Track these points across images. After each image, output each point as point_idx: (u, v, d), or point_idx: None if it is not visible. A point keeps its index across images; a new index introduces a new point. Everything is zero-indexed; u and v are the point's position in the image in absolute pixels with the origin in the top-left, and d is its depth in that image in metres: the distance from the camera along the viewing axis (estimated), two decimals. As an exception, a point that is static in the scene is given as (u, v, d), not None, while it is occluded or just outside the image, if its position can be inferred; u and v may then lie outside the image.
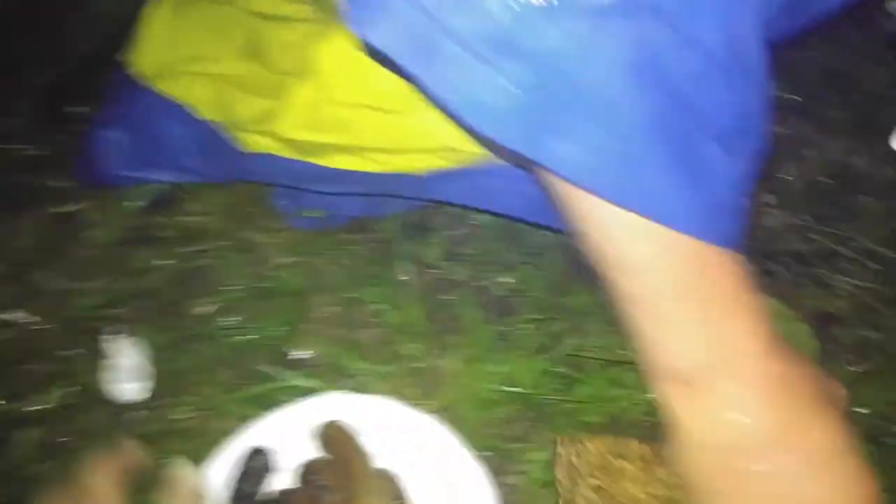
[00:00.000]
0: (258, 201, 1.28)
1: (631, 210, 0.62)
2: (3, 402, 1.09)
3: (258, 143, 1.10)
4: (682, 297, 0.67)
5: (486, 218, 1.27)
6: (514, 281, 1.21)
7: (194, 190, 1.29)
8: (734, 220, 0.66)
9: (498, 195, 1.03)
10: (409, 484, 0.97)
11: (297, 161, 1.09)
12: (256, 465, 0.96)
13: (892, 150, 1.18)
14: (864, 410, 1.07)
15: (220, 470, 0.97)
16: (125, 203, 1.28)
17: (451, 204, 1.16)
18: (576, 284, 1.20)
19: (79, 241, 1.25)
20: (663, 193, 0.61)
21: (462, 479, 0.97)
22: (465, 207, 1.21)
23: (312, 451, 0.99)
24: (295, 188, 1.20)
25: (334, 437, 0.98)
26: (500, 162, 0.98)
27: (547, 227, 1.08)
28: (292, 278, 1.20)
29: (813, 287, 1.23)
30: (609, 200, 0.61)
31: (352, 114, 1.02)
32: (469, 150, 0.97)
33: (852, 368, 1.12)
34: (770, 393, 0.67)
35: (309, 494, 0.95)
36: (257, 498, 0.95)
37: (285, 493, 0.97)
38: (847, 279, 1.23)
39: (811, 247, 1.27)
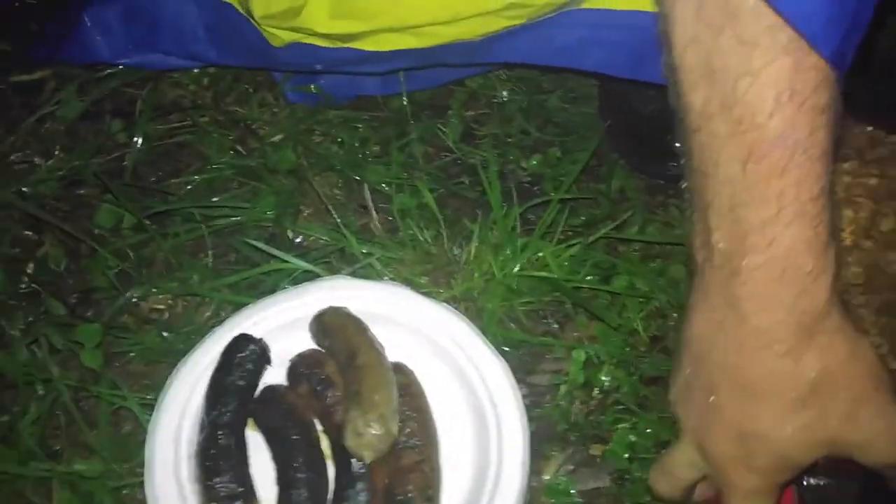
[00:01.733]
0: (243, 72, 1.12)
1: None
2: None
3: (287, 34, 0.94)
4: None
5: (508, 95, 1.11)
6: (539, 164, 1.05)
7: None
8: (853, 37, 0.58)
9: (574, 48, 0.87)
10: (424, 381, 0.83)
11: (334, 49, 0.93)
12: (245, 355, 0.81)
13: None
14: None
15: (203, 362, 0.82)
16: (95, 73, 1.11)
17: (512, 64, 1.02)
18: (611, 168, 1.05)
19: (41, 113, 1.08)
20: None
21: (482, 377, 0.83)
22: (532, 66, 1.05)
23: (310, 341, 0.85)
24: (330, 72, 1.04)
25: (336, 324, 0.83)
26: (574, 10, 0.83)
27: (629, 80, 0.91)
28: (285, 156, 1.04)
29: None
30: None
31: None
32: (540, 2, 0.81)
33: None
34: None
35: (307, 389, 0.81)
36: (245, 393, 0.81)
37: (278, 389, 0.83)
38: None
39: None
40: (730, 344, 0.64)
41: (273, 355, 0.83)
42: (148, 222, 0.97)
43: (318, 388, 0.80)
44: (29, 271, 0.96)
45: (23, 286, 0.96)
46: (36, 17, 1.18)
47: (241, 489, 0.75)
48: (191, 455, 0.78)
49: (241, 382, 0.80)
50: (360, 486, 0.75)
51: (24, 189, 1.01)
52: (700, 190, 0.64)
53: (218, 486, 0.75)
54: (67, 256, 0.98)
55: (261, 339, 0.82)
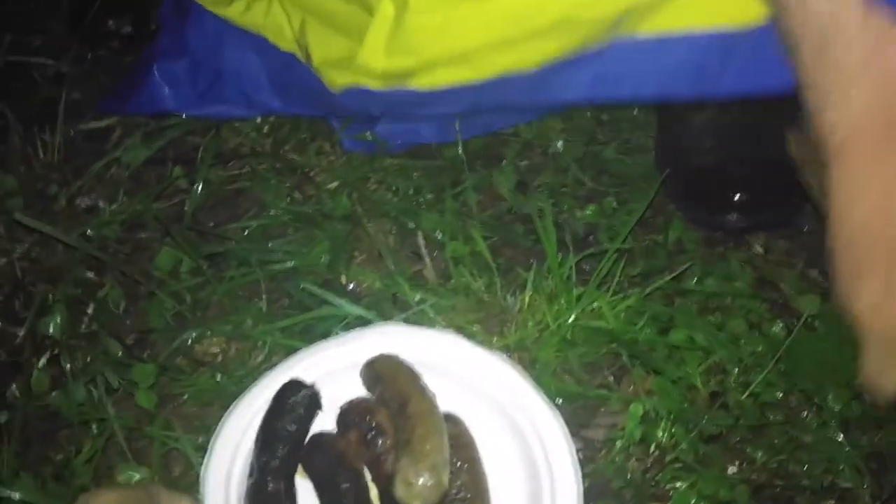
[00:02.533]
0: (301, 120, 1.14)
1: None
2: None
3: (345, 78, 0.96)
4: None
5: (563, 146, 1.11)
6: (594, 214, 1.04)
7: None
8: None
9: (633, 77, 0.89)
10: (475, 432, 0.81)
11: (389, 91, 0.95)
12: (296, 400, 0.81)
13: None
14: None
15: (255, 406, 0.82)
16: (161, 122, 1.14)
17: (573, 102, 1.02)
18: (668, 219, 1.04)
19: (108, 158, 1.11)
20: None
21: (536, 430, 0.81)
22: (591, 102, 1.06)
23: (361, 388, 0.84)
24: (386, 116, 1.06)
25: (388, 371, 0.82)
26: (627, 38, 0.84)
27: (699, 96, 0.93)
28: (340, 202, 1.05)
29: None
30: None
31: (440, 14, 0.87)
32: (590, 18, 0.82)
33: None
34: None
35: (357, 437, 0.80)
36: (295, 438, 0.80)
37: (328, 436, 0.82)
38: None
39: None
40: None
41: (324, 401, 0.82)
42: (205, 266, 0.98)
43: (368, 435, 0.79)
44: (89, 312, 0.98)
45: (83, 327, 0.97)
46: (107, 69, 1.23)
47: None
48: (240, 497, 0.77)
49: (292, 428, 0.79)
50: None
51: (88, 232, 1.03)
52: None
53: None
54: (126, 298, 1.00)
55: (312, 385, 0.82)
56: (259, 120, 1.14)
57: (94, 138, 1.15)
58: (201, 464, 0.84)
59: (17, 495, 0.81)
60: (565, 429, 0.80)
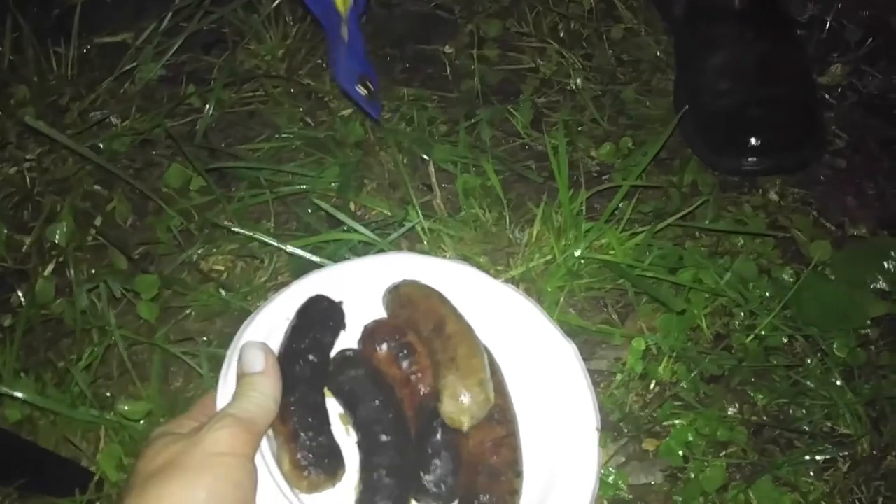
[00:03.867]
0: (318, 46, 1.13)
1: None
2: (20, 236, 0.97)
3: None
4: None
5: (582, 83, 1.09)
6: (610, 153, 1.03)
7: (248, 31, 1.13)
8: None
9: None
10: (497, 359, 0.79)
11: None
12: (323, 316, 0.77)
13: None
14: None
15: (270, 322, 0.78)
16: (173, 39, 1.13)
17: None
18: (684, 162, 1.02)
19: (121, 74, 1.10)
20: None
21: (550, 358, 0.79)
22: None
23: (372, 314, 0.81)
24: None
25: (417, 295, 0.78)
26: None
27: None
28: (353, 129, 1.04)
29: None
30: None
31: None
32: None
33: None
34: None
35: (387, 355, 0.77)
36: (321, 355, 0.76)
37: (357, 353, 0.78)
38: None
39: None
40: None
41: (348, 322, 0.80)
42: (214, 184, 0.98)
43: (398, 354, 0.76)
44: (96, 224, 0.98)
45: (89, 238, 0.97)
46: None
47: (327, 443, 0.71)
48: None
49: (321, 341, 0.76)
50: (445, 455, 0.71)
51: (99, 144, 1.03)
52: None
53: (304, 440, 0.70)
54: (134, 213, 0.99)
55: (340, 302, 0.79)
56: (274, 43, 1.12)
57: (107, 53, 1.14)
58: (204, 377, 0.84)
59: (19, 394, 0.82)
60: (580, 358, 0.78)
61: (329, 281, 0.82)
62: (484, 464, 0.70)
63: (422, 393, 0.74)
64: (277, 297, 0.80)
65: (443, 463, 0.71)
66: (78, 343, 0.88)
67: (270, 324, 0.78)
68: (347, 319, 0.79)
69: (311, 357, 0.74)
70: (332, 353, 0.79)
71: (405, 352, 0.76)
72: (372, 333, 0.78)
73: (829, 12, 1.13)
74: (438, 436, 0.72)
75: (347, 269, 0.84)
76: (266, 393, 0.68)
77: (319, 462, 0.69)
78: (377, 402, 0.74)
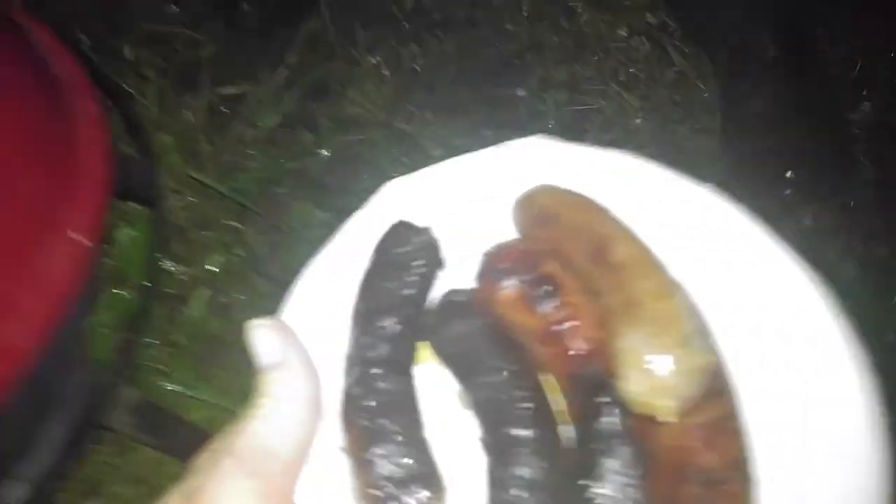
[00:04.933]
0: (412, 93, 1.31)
1: None
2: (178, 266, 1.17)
3: None
4: None
5: (640, 123, 1.26)
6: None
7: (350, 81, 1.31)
8: None
9: None
10: (700, 293, 0.48)
11: None
12: (409, 251, 0.52)
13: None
14: None
15: (341, 260, 0.53)
16: (288, 91, 1.31)
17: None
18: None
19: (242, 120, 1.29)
20: None
21: (779, 295, 0.51)
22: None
23: (490, 237, 0.52)
24: None
25: (563, 205, 0.51)
26: None
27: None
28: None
29: None
30: None
31: None
32: None
33: None
34: None
35: (516, 297, 0.49)
36: (412, 306, 0.51)
37: (468, 299, 0.52)
38: None
39: None
40: None
41: (452, 251, 0.53)
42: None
43: (533, 294, 0.49)
44: (239, 253, 1.18)
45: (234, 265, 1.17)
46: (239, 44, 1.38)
47: (414, 464, 0.47)
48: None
49: (407, 292, 0.51)
50: (624, 452, 0.45)
51: (234, 185, 1.23)
52: None
53: (377, 459, 0.46)
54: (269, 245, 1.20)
55: (428, 229, 0.53)
56: (374, 90, 1.30)
57: (230, 103, 1.31)
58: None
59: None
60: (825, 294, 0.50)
61: (415, 193, 0.55)
62: (691, 464, 0.45)
63: (575, 354, 0.48)
64: (343, 228, 0.54)
65: (621, 467, 0.45)
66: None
67: (336, 269, 0.53)
68: (455, 250, 0.53)
69: (387, 323, 0.50)
70: (440, 297, 0.53)
71: (544, 290, 0.49)
72: (490, 266, 0.51)
73: (859, 53, 1.28)
74: (610, 422, 0.46)
75: (442, 173, 0.55)
76: (290, 400, 0.44)
77: (404, 489, 0.45)
78: (505, 372, 0.49)
